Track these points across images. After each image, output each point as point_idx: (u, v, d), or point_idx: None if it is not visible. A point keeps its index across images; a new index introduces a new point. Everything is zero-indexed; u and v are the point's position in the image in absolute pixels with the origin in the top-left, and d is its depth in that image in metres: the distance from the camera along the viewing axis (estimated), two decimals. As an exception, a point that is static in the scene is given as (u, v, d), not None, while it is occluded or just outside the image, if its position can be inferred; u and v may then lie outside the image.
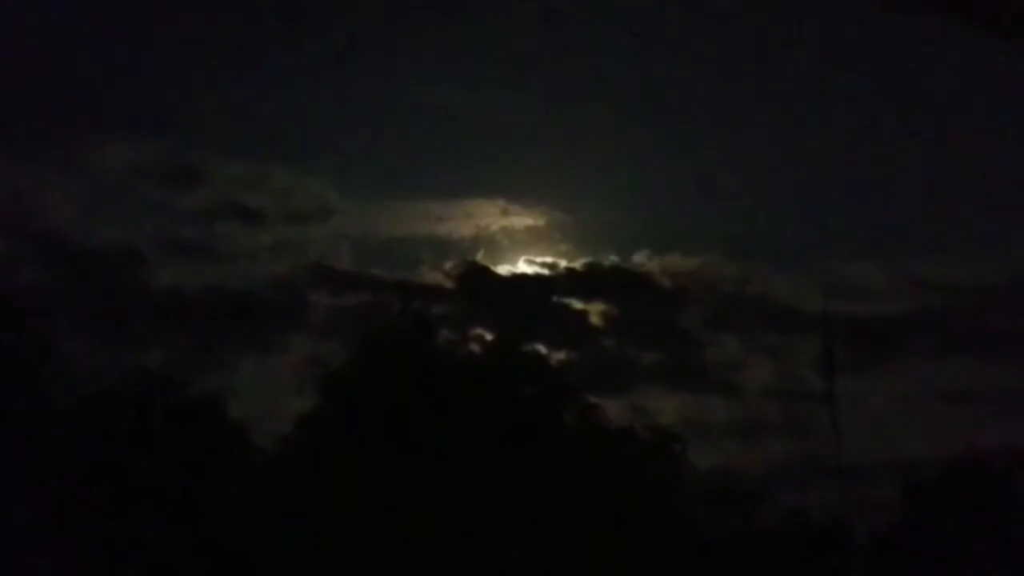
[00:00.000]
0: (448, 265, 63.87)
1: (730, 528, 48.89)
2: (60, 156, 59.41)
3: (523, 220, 67.51)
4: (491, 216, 67.74)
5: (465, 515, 45.58)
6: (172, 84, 61.78)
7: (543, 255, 66.31)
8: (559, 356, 57.23)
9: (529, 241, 67.13)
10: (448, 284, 62.64)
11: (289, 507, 45.16)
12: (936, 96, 61.98)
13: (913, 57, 58.00)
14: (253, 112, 64.30)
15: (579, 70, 69.26)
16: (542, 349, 55.25)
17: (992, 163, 60.27)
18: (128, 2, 61.06)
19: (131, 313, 52.30)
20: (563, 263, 65.94)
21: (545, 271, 65.94)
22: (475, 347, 53.53)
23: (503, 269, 65.63)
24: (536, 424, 48.22)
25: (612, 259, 67.04)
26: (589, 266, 65.89)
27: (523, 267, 66.14)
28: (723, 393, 61.22)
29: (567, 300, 64.75)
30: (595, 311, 64.16)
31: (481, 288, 62.23)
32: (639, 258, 67.05)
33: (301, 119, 66.10)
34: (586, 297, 64.31)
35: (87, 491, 42.56)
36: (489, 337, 54.00)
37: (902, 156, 64.99)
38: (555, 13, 66.03)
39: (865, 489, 48.27)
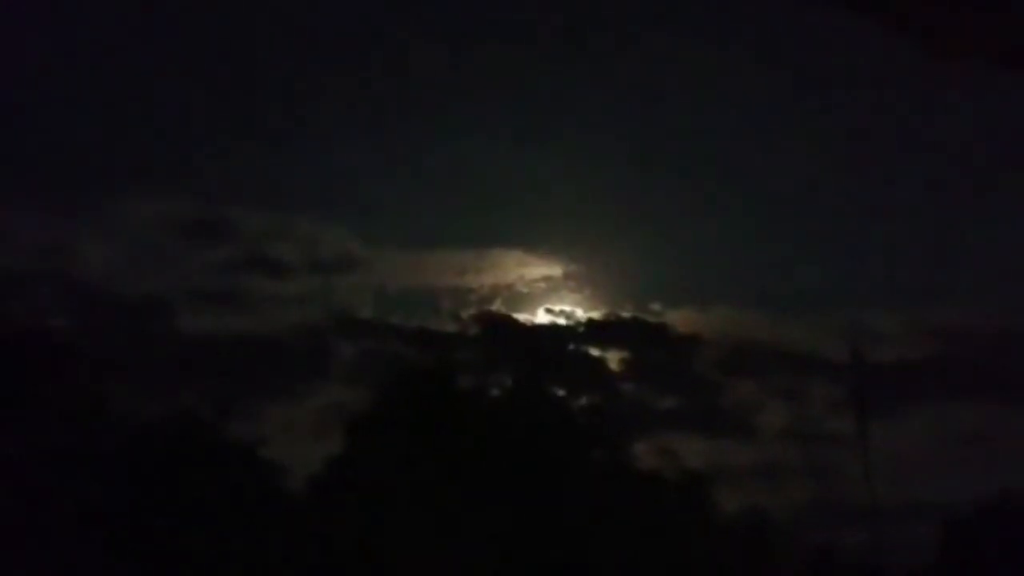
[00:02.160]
0: (468, 314, 64.69)
1: (759, 571, 49.42)
2: (93, 211, 60.60)
3: (540, 270, 68.44)
4: (509, 266, 68.72)
5: (492, 558, 46.08)
6: (199, 141, 62.93)
7: (560, 304, 67.17)
8: (579, 402, 57.90)
9: (547, 291, 68.02)
10: (468, 332, 63.35)
11: (317, 548, 45.73)
12: (954, 146, 63.09)
13: (934, 108, 59.14)
14: (277, 166, 65.55)
15: (595, 125, 70.43)
16: (563, 394, 56.16)
17: (1010, 211, 61.23)
18: (156, 66, 62.33)
19: (160, 360, 53.00)
20: (580, 312, 66.74)
21: (562, 320, 66.71)
22: (496, 392, 54.35)
23: (521, 317, 66.40)
24: (562, 467, 48.86)
25: (628, 308, 67.95)
26: (605, 315, 66.68)
27: (541, 316, 66.96)
28: (742, 437, 61.91)
29: (585, 348, 65.42)
30: (613, 358, 64.80)
31: (500, 336, 62.88)
32: (655, 307, 67.96)
33: (324, 173, 67.23)
34: (603, 345, 64.97)
35: (120, 533, 43.15)
36: (509, 383, 54.76)
37: (917, 205, 66.08)
38: (574, 70, 67.34)
39: (893, 532, 48.77)
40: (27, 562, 41.08)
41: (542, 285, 67.69)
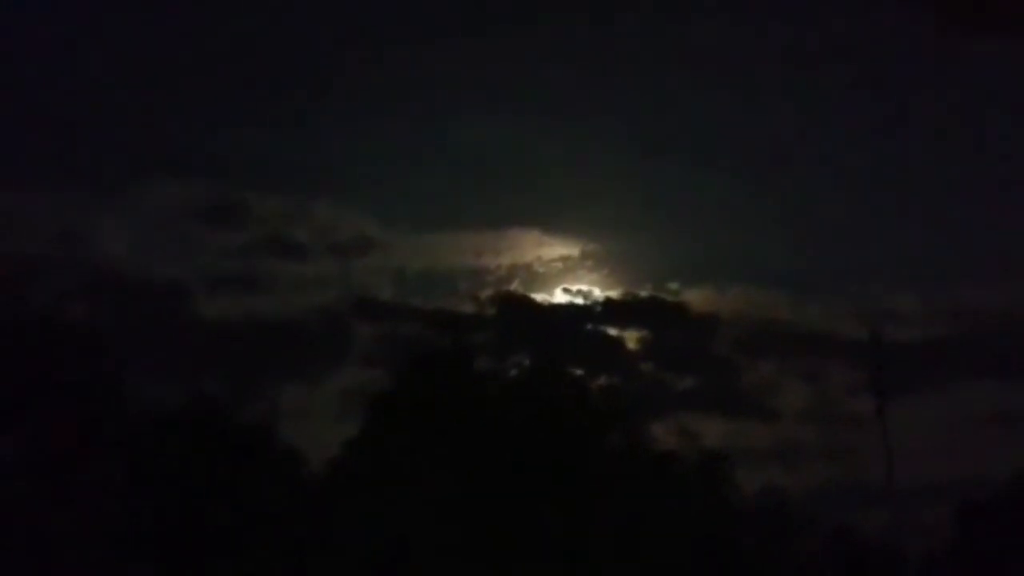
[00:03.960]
0: (486, 294, 64.82)
1: (779, 549, 49.39)
2: (112, 196, 60.97)
3: (558, 250, 68.68)
4: (527, 247, 68.94)
5: (511, 535, 46.15)
6: (217, 125, 63.12)
7: (578, 284, 67.29)
8: (598, 381, 57.86)
9: (564, 271, 68.20)
10: (486, 312, 63.46)
11: (337, 527, 45.84)
12: (972, 131, 62.87)
13: (952, 88, 58.89)
14: (295, 150, 65.71)
15: (613, 106, 70.39)
16: (580, 374, 56.16)
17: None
18: (174, 51, 62.52)
19: (180, 344, 53.21)
20: (598, 291, 66.81)
21: (580, 299, 66.78)
22: (514, 372, 54.36)
23: (539, 297, 66.56)
24: (580, 448, 48.85)
25: (646, 288, 68.02)
26: (623, 294, 66.71)
27: (559, 295, 67.07)
28: (760, 417, 62.04)
29: (603, 327, 65.50)
30: (631, 338, 64.86)
31: (519, 316, 62.96)
32: (673, 286, 68.03)
33: (342, 156, 67.40)
34: (621, 324, 65.05)
35: (144, 512, 43.33)
36: (527, 363, 54.77)
37: (937, 187, 65.87)
38: (591, 51, 67.22)
39: (913, 511, 48.65)
40: (48, 543, 41.28)
41: (559, 265, 67.94)
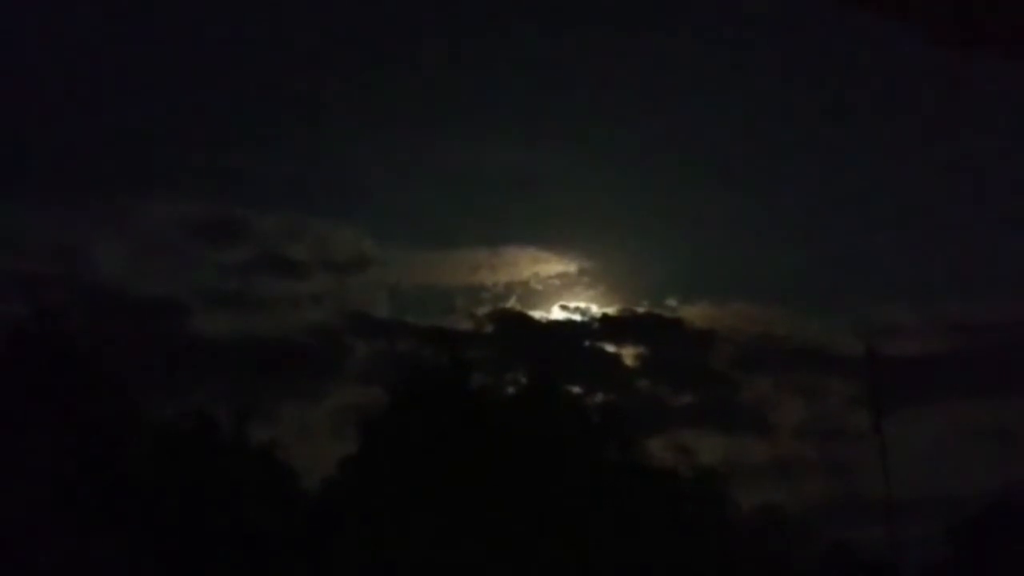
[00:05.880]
0: (482, 311, 64.68)
1: (776, 565, 49.29)
2: (108, 212, 60.97)
3: (555, 267, 68.45)
4: (524, 264, 68.74)
5: (508, 556, 46.03)
6: (215, 143, 63.14)
7: (575, 300, 67.13)
8: (595, 398, 57.75)
9: (561, 287, 68.01)
10: (483, 330, 63.31)
11: (333, 546, 45.73)
12: (969, 146, 62.88)
13: (948, 104, 58.98)
14: (292, 168, 65.77)
15: (610, 123, 70.45)
16: (578, 391, 56.02)
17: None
18: (171, 67, 62.63)
19: (176, 361, 53.05)
20: (595, 308, 66.65)
21: (578, 316, 66.63)
22: (511, 390, 54.24)
23: (537, 314, 66.36)
24: (577, 465, 48.75)
25: (643, 304, 67.92)
26: (621, 311, 66.57)
27: (556, 312, 66.93)
28: (757, 433, 61.77)
29: (600, 344, 65.31)
30: (628, 354, 64.67)
31: (516, 333, 62.80)
32: (670, 302, 67.92)
33: (338, 173, 67.45)
34: (619, 341, 64.85)
35: (133, 532, 43.23)
36: (525, 381, 54.65)
37: (932, 200, 65.94)
38: (588, 69, 67.36)
39: (910, 526, 48.56)
40: (46, 559, 41.16)
41: (556, 282, 67.72)
